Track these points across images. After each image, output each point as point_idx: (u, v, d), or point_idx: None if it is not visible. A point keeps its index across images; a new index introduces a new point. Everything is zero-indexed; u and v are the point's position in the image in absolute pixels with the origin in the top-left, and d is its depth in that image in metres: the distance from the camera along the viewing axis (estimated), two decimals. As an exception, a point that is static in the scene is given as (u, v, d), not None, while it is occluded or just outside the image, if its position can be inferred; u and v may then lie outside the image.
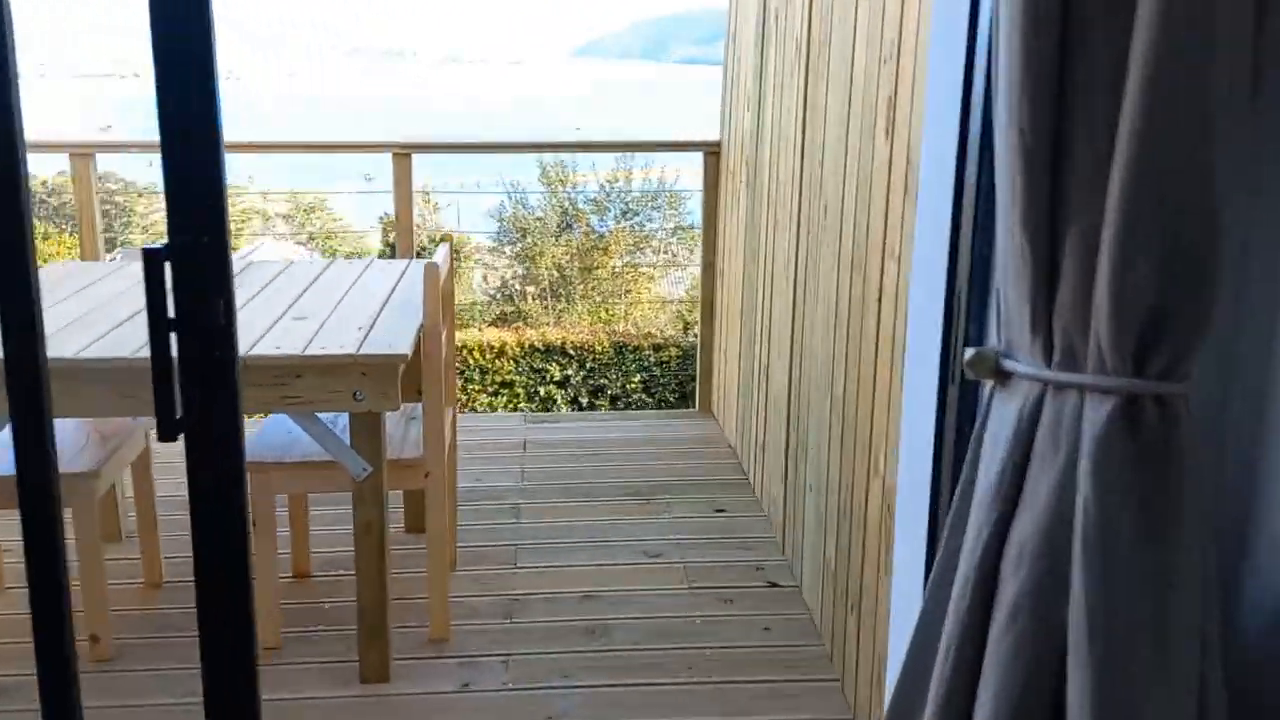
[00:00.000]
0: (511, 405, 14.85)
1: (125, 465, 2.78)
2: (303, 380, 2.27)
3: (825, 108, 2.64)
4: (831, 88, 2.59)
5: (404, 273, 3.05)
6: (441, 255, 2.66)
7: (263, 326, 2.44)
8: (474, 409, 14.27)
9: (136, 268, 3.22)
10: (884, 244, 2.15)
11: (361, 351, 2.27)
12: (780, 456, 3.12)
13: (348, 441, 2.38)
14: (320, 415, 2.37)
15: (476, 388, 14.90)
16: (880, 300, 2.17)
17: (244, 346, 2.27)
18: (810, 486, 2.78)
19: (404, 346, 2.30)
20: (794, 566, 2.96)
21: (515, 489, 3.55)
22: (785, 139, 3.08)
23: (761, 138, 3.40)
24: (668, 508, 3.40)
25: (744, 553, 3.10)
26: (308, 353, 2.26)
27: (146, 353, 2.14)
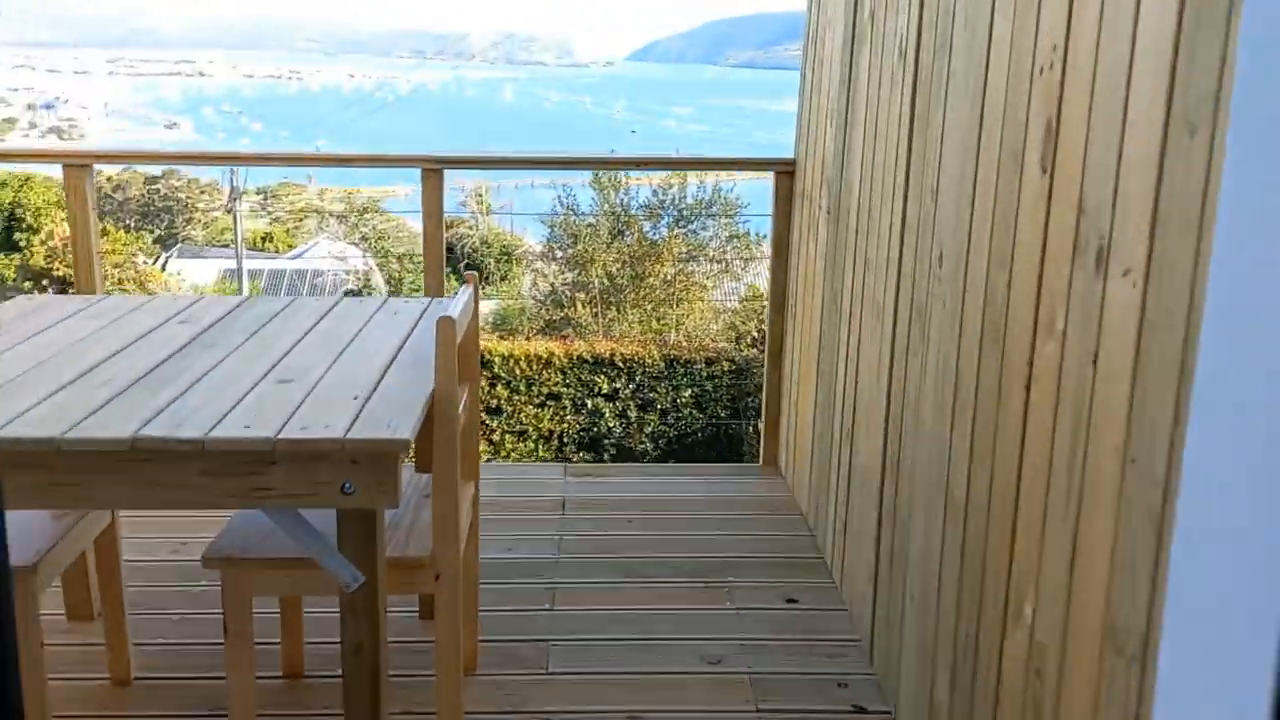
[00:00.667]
0: (558, 419, 14.42)
1: (83, 546, 2.32)
2: (278, 469, 1.79)
3: (942, 127, 2.11)
4: (952, 103, 2.05)
5: (421, 316, 2.56)
6: (461, 303, 2.16)
7: (235, 394, 1.96)
8: (520, 420, 13.87)
9: (112, 304, 2.76)
10: (1036, 315, 1.62)
11: (352, 436, 1.78)
12: (869, 546, 2.58)
13: (336, 541, 1.90)
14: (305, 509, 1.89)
15: (523, 399, 14.53)
16: (1029, 389, 1.63)
17: (205, 425, 1.79)
18: (912, 596, 2.24)
19: (406, 429, 1.81)
20: (885, 686, 2.42)
21: (551, 563, 3.04)
22: (883, 162, 2.54)
23: (849, 158, 2.87)
24: (729, 595, 2.87)
25: (823, 662, 2.57)
26: (284, 435, 1.77)
27: (91, 430, 1.71)
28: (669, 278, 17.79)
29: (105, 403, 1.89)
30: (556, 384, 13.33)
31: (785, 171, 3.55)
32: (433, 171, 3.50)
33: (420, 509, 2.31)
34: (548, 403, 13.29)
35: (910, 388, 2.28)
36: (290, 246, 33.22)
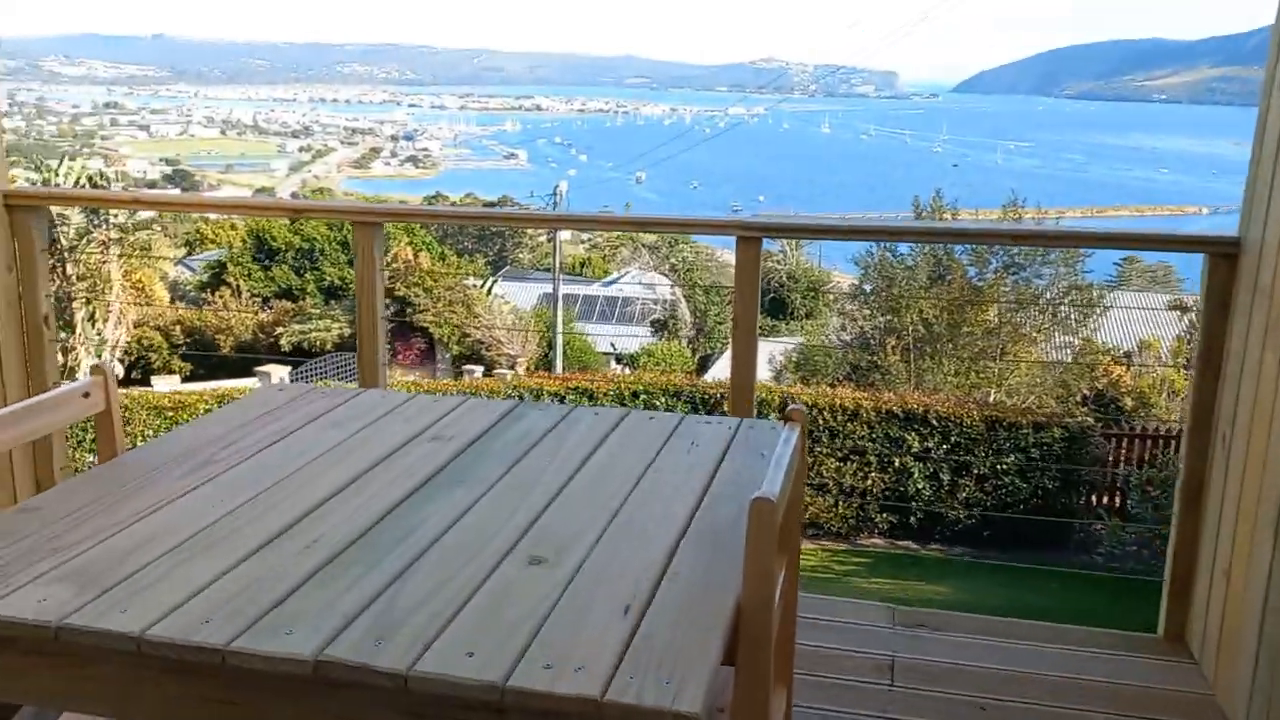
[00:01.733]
0: (861, 475, 13.36)
1: None
2: (507, 721, 1.21)
3: None
4: None
5: (726, 451, 1.92)
6: (783, 467, 1.50)
7: (468, 581, 1.40)
8: (820, 473, 13.00)
9: (367, 404, 2.30)
10: None
11: (613, 697, 1.16)
12: None
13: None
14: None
15: (825, 451, 13.61)
16: None
17: (415, 641, 1.24)
18: None
19: (694, 696, 1.17)
20: None
21: (876, 765, 2.31)
22: None
23: (1358, 249, 1.95)
24: None
25: None
26: (517, 683, 1.19)
27: (267, 638, 1.33)
28: (992, 327, 16.25)
29: (302, 582, 1.40)
30: (862, 438, 12.38)
31: (1225, 254, 2.60)
32: (750, 240, 2.89)
33: (710, 732, 1.67)
34: (851, 457, 12.37)
35: None
36: (605, 273, 34.33)
